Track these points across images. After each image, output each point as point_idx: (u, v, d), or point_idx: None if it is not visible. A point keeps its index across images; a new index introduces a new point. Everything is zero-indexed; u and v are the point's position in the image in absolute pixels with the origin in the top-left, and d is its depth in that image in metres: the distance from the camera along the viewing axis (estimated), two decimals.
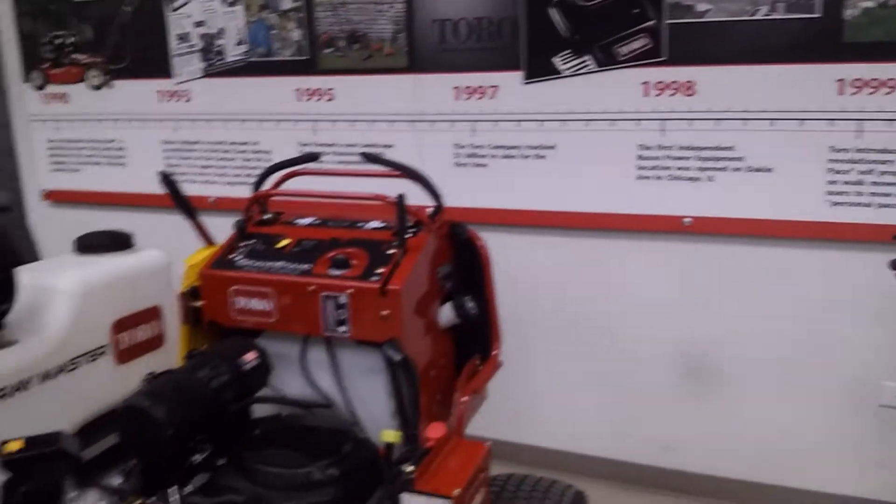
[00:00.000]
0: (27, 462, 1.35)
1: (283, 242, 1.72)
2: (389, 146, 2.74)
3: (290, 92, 2.84)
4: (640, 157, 2.45)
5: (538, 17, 2.45)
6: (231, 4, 2.85)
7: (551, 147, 2.55)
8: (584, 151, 2.51)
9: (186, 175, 3.09)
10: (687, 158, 2.40)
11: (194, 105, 3.02)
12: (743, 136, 2.33)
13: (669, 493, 2.61)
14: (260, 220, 1.84)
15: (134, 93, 3.12)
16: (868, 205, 2.23)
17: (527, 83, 2.52)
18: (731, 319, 2.47)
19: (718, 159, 2.37)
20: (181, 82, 3.02)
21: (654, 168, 2.45)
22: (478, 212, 2.58)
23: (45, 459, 1.36)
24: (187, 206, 1.86)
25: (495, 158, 2.63)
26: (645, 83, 2.39)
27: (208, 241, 1.88)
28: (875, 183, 2.22)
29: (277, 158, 2.86)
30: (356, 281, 1.57)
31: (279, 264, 1.66)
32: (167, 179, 1.82)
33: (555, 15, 2.44)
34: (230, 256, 1.72)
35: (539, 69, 2.50)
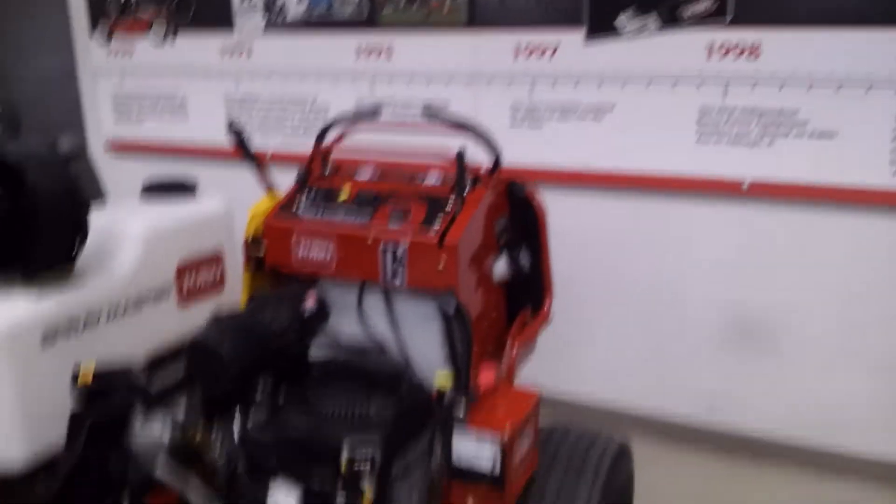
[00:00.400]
0: (98, 392, 1.43)
1: (344, 194, 1.76)
2: (446, 102, 2.75)
3: (349, 49, 2.87)
4: (701, 120, 2.42)
5: None
6: None
7: (610, 108, 2.53)
8: (643, 113, 2.48)
9: (246, 128, 3.14)
10: (749, 122, 2.36)
11: (255, 60, 3.07)
12: (807, 100, 2.28)
13: (713, 452, 2.62)
14: (321, 173, 1.88)
15: (197, 47, 3.18)
16: None
17: (588, 42, 2.50)
18: (787, 285, 2.45)
19: (781, 123, 2.32)
20: (243, 38, 3.06)
21: (714, 131, 2.41)
22: (534, 171, 2.57)
23: (114, 390, 1.45)
24: (253, 156, 1.91)
25: (552, 118, 2.62)
26: (709, 45, 2.35)
27: (271, 190, 1.93)
28: None
29: (333, 110, 2.94)
30: (414, 233, 1.61)
31: (339, 215, 1.70)
32: (234, 128, 1.86)
33: None
34: (292, 206, 1.77)
35: (601, 28, 2.47)
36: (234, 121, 1.90)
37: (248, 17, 3.02)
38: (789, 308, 2.46)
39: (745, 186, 2.41)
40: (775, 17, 2.25)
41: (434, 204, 1.67)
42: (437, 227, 1.61)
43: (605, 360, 2.76)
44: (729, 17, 2.30)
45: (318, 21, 2.89)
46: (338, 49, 2.89)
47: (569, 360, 2.74)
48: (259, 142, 3.10)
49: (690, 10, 2.34)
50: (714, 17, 2.32)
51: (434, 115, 1.85)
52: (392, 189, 1.75)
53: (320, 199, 1.77)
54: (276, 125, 3.10)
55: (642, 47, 2.42)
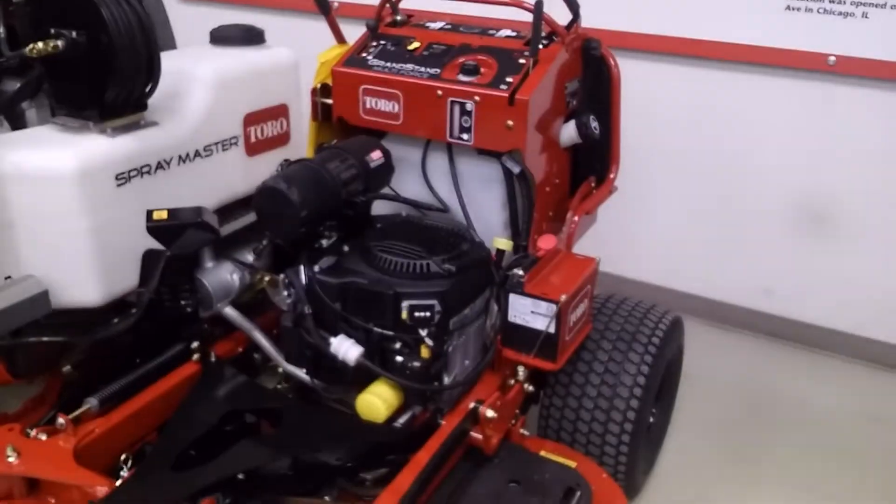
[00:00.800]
0: (171, 230, 1.48)
1: (414, 45, 1.71)
2: None
3: None
4: None
5: None
6: None
7: None
8: None
9: None
10: None
11: None
12: None
13: (767, 337, 2.63)
14: (392, 22, 1.83)
15: None
16: None
17: None
18: (859, 173, 2.35)
19: None
20: None
21: None
22: (607, 33, 2.44)
23: (187, 228, 1.49)
24: (324, 2, 1.86)
25: None
26: None
27: (341, 39, 1.90)
28: None
29: None
30: (485, 88, 1.57)
31: (409, 66, 1.67)
32: None
33: None
34: (362, 55, 1.74)
35: None
36: None
37: None
38: (857, 197, 2.38)
39: (831, 61, 2.27)
40: None
41: (506, 59, 1.62)
42: (509, 82, 1.57)
43: (665, 237, 2.73)
44: None
45: None
46: None
47: (630, 236, 2.71)
48: None
49: None
50: None
51: None
52: (464, 42, 1.70)
53: (390, 48, 1.74)
54: None
55: None
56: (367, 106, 1.70)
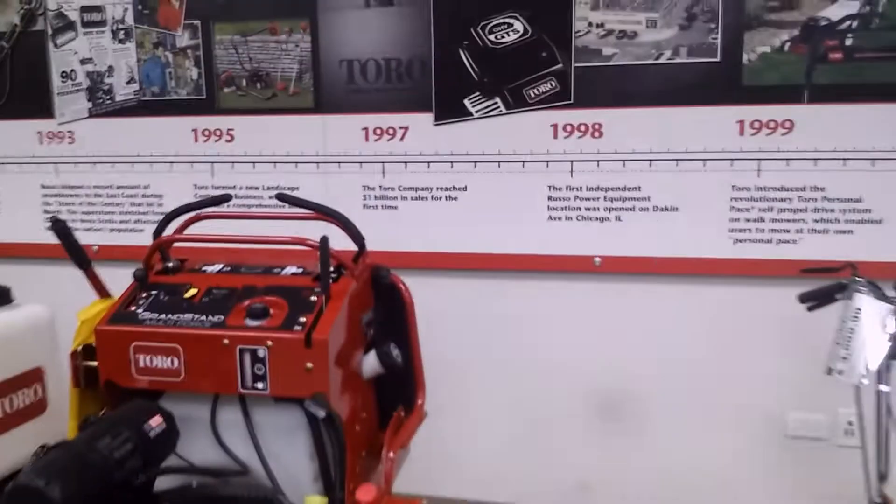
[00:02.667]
0: None
1: (191, 292, 1.58)
2: (294, 188, 2.63)
3: (185, 132, 2.69)
4: (551, 198, 2.46)
5: (448, 58, 2.43)
6: (122, 41, 2.69)
7: (463, 188, 2.52)
8: (495, 193, 2.49)
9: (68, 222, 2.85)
10: (596, 199, 2.43)
11: (78, 147, 2.80)
12: (649, 177, 2.38)
13: None
14: (163, 269, 1.69)
15: (11, 134, 2.87)
16: (769, 241, 2.32)
17: (437, 124, 2.49)
18: (643, 356, 2.49)
19: (626, 199, 2.41)
20: (64, 122, 2.80)
21: (564, 208, 2.45)
22: (388, 255, 2.47)
23: None
24: (81, 255, 1.68)
25: (406, 200, 2.57)
26: (554, 125, 2.41)
27: (103, 293, 1.71)
28: (774, 220, 2.31)
29: (171, 203, 2.72)
30: (277, 331, 1.46)
31: (188, 316, 1.52)
32: (59, 225, 1.65)
33: (464, 57, 2.43)
34: (131, 309, 1.56)
35: (449, 111, 2.47)
36: (57, 216, 1.69)
37: (70, 101, 2.77)
38: (645, 378, 2.50)
39: (596, 262, 2.45)
40: (614, 99, 2.35)
41: (296, 298, 1.53)
42: (302, 322, 1.47)
43: (476, 449, 2.66)
44: (572, 99, 2.38)
45: (151, 103, 2.69)
46: (173, 133, 2.70)
47: (444, 455, 2.61)
48: (82, 237, 2.80)
49: (535, 91, 2.40)
50: (557, 97, 2.38)
51: (288, 200, 1.73)
52: (248, 283, 1.59)
53: (163, 298, 1.58)
54: (103, 217, 2.83)
55: (491, 128, 2.44)
56: (141, 365, 1.50)
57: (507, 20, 2.38)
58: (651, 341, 2.49)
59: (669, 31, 2.29)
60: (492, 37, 2.40)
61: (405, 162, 2.54)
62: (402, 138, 2.53)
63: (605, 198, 2.42)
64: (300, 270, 1.66)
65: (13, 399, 1.66)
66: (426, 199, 2.55)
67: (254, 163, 2.66)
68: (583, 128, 2.40)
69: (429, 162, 2.53)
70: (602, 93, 2.36)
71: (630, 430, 2.54)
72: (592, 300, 2.51)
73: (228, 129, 2.66)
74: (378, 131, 2.54)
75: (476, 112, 2.45)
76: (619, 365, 2.52)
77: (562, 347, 2.55)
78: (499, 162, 2.47)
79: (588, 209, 2.44)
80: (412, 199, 2.56)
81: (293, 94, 2.58)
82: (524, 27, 2.38)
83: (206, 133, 2.68)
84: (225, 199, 1.76)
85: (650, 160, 2.37)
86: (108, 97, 2.74)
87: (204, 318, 1.51)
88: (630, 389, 2.53)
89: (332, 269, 1.56)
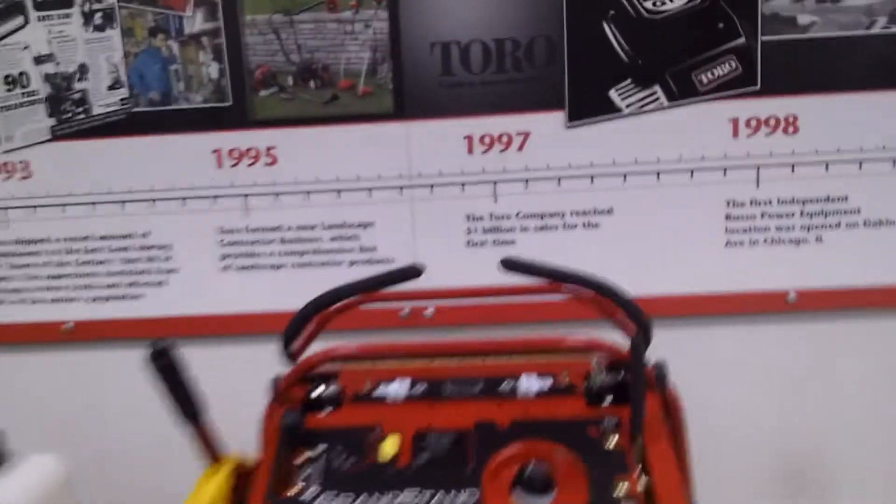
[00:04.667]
0: None
1: (391, 446, 0.85)
2: (367, 224, 1.91)
3: (203, 155, 1.90)
4: (729, 217, 1.86)
5: (587, 35, 1.78)
6: (99, 28, 1.86)
7: (607, 211, 1.87)
8: (652, 215, 1.86)
9: (23, 291, 1.99)
10: (790, 215, 1.85)
11: (37, 183, 1.95)
12: (858, 183, 1.82)
13: None
14: (313, 399, 0.96)
15: None
16: None
17: (571, 126, 1.83)
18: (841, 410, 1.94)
19: (829, 213, 1.84)
20: (12, 149, 1.94)
21: (747, 230, 1.86)
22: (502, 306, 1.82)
23: None
24: (191, 403, 0.91)
25: (527, 232, 1.89)
26: (734, 120, 1.81)
27: (215, 455, 0.94)
28: None
29: (185, 256, 1.94)
30: None
31: (406, 499, 0.79)
32: (162, 357, 0.87)
33: (610, 32, 1.78)
34: (292, 492, 0.82)
35: (589, 107, 1.82)
36: (158, 343, 0.91)
37: (22, 118, 1.92)
38: (843, 438, 1.96)
39: (790, 298, 1.87)
40: (813, 83, 1.78)
41: (580, 441, 0.84)
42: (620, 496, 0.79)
43: None
44: (757, 84, 1.79)
45: (147, 116, 1.89)
46: (184, 157, 1.90)
47: None
48: (45, 311, 1.98)
49: (708, 76, 1.79)
50: (738, 83, 1.79)
51: (520, 269, 1.05)
52: (481, 419, 0.88)
53: (346, 464, 0.85)
54: (79, 282, 1.99)
55: (646, 128, 1.82)
56: None
57: None
58: (855, 396, 1.93)
59: None
60: (648, 3, 1.77)
61: (526, 179, 1.87)
62: (520, 148, 1.85)
63: (801, 213, 1.84)
64: (548, 382, 0.97)
65: None
66: (556, 227, 1.89)
67: (308, 192, 1.90)
68: (772, 122, 1.81)
69: (559, 178, 1.86)
70: (798, 75, 1.78)
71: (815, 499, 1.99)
72: (783, 348, 1.93)
73: (268, 148, 1.89)
74: (487, 140, 1.85)
75: (627, 107, 1.81)
76: (811, 426, 1.95)
77: (740, 408, 1.96)
78: (658, 172, 1.84)
79: (779, 228, 1.86)
80: (536, 229, 1.89)
81: (363, 93, 1.84)
82: None
83: (235, 154, 1.89)
84: (416, 272, 1.05)
85: (860, 160, 1.81)
86: (79, 110, 1.90)
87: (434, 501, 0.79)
88: (822, 458, 1.97)
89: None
